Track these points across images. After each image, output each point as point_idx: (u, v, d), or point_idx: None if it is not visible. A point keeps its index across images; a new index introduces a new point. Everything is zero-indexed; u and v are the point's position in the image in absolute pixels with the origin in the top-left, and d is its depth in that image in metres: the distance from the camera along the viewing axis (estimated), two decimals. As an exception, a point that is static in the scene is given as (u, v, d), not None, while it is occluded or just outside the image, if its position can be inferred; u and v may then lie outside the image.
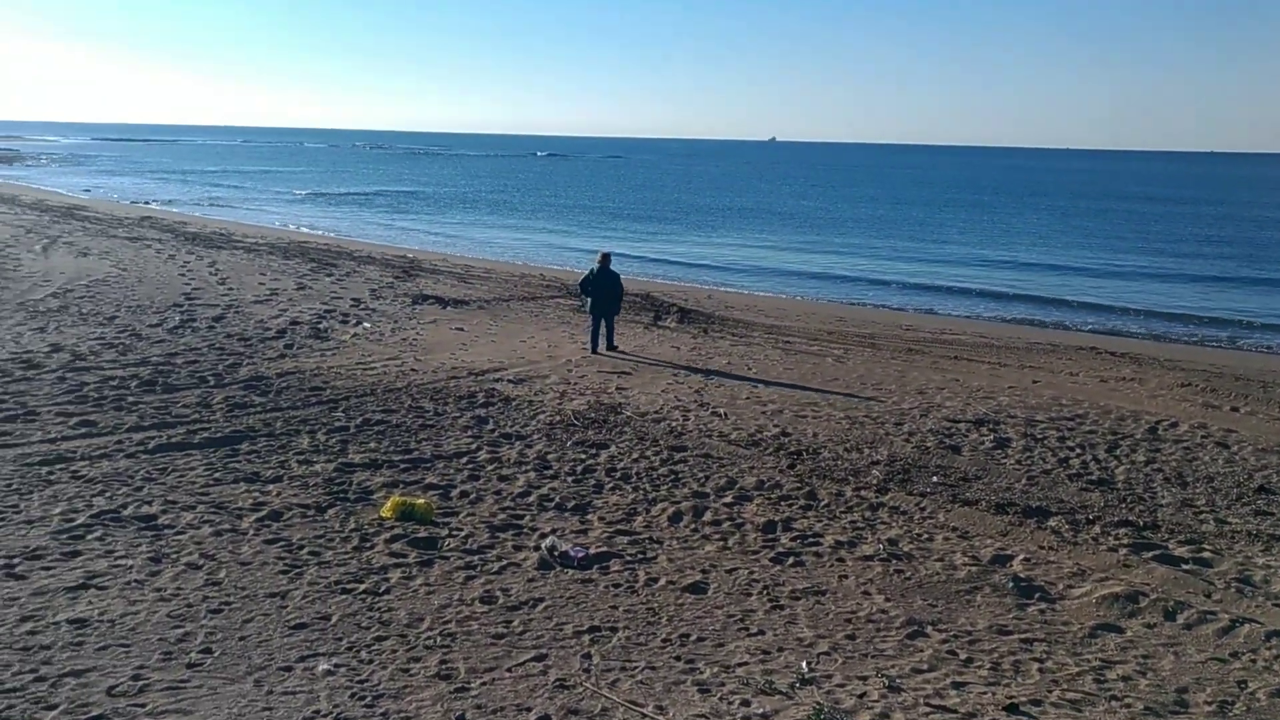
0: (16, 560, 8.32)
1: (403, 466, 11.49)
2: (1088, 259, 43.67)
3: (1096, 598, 8.70)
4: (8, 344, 16.66)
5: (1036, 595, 8.78)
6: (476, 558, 9.01)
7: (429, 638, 7.40)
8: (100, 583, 8.01)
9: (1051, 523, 10.58)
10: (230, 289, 24.25)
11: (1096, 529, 10.42)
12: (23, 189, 63.23)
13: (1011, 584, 8.94)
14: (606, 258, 19.22)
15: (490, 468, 11.60)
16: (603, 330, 19.06)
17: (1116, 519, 10.70)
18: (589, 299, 18.87)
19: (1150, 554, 9.77)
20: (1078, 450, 13.32)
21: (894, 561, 9.39)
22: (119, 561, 8.45)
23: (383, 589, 8.23)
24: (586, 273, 19.22)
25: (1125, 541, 10.09)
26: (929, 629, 8.02)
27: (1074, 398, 16.44)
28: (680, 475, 11.62)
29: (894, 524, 10.40)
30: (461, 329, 20.65)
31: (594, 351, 18.75)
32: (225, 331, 18.83)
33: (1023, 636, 7.96)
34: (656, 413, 14.38)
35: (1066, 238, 53.63)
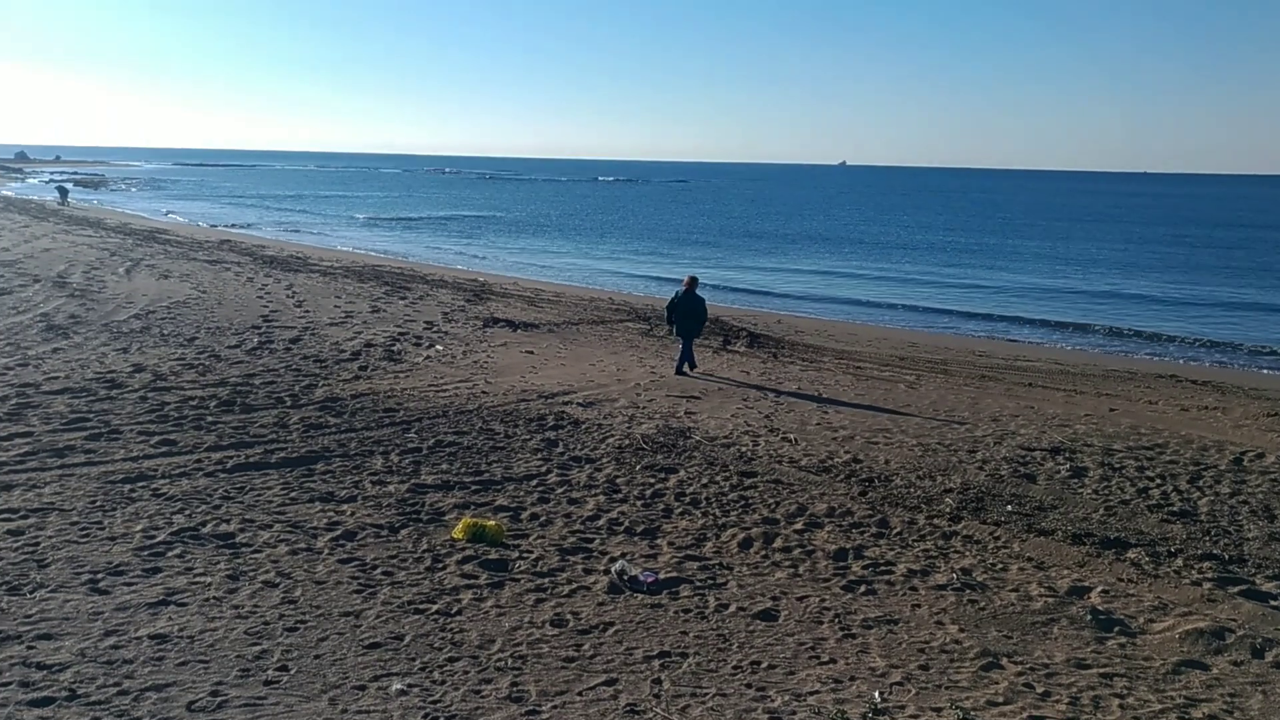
0: (100, 575, 8.52)
1: (474, 488, 11.57)
2: (1166, 287, 42.79)
3: (1180, 633, 8.47)
4: (92, 364, 17.12)
5: (1116, 629, 8.57)
6: (547, 580, 9.04)
7: (500, 659, 7.42)
8: (180, 599, 8.16)
9: (1131, 554, 10.33)
10: (306, 311, 24.71)
11: (1179, 562, 10.16)
12: (108, 212, 65.16)
13: (1090, 616, 8.74)
14: (692, 281, 19.53)
15: (560, 491, 11.64)
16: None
17: (1200, 552, 10.42)
18: (673, 325, 19.31)
19: (1236, 589, 9.49)
20: (1158, 480, 13.02)
21: (968, 591, 9.24)
22: (198, 578, 8.61)
23: (455, 610, 8.28)
24: (672, 296, 19.54)
25: (1209, 575, 9.82)
26: (1004, 661, 7.86)
27: (1153, 426, 16.09)
28: (750, 501, 11.56)
29: (968, 553, 10.24)
30: (531, 352, 20.80)
31: (689, 371, 19.18)
32: (301, 353, 19.16)
33: (1102, 671, 7.76)
34: (726, 437, 14.33)
35: (1145, 263, 52.65)
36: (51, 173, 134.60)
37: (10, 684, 6.61)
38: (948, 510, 11.52)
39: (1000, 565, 9.92)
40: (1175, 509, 11.89)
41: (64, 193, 74.85)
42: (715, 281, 40.66)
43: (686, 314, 19.03)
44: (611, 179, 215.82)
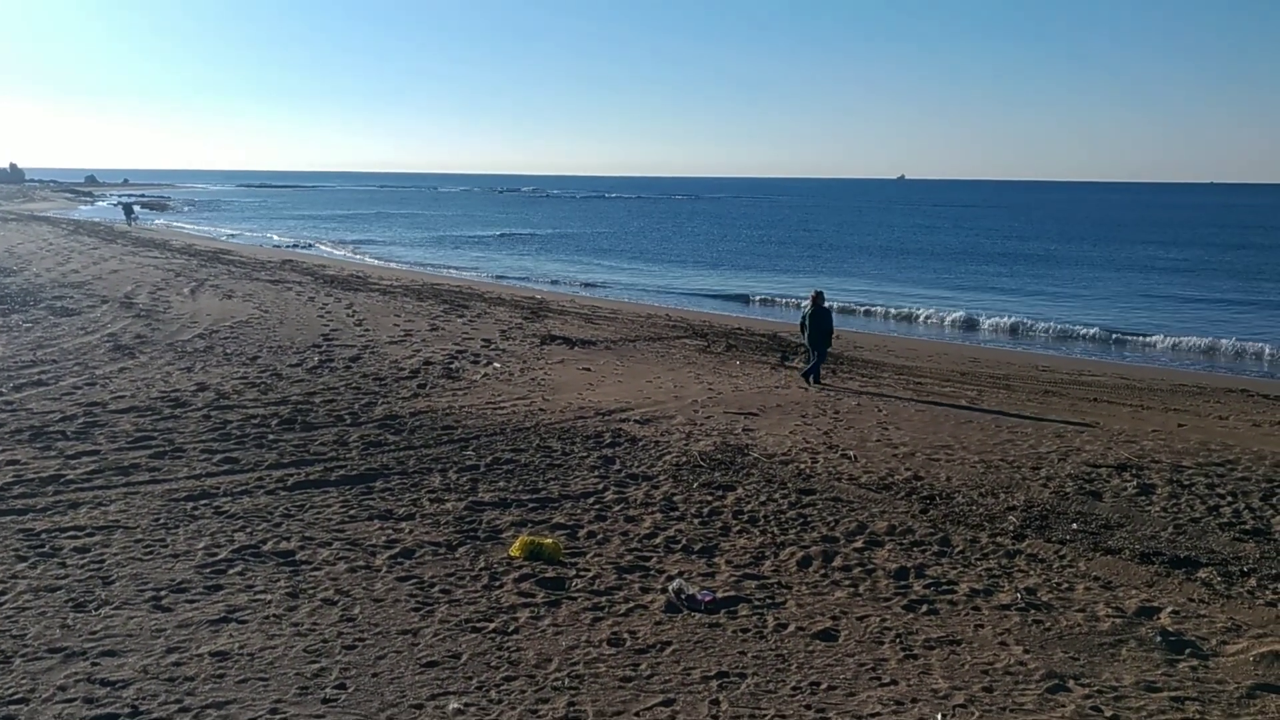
0: (163, 593, 8.62)
1: (531, 506, 11.57)
2: (1231, 296, 41.88)
3: (1254, 655, 8.20)
4: (157, 383, 17.42)
5: (1187, 650, 8.31)
6: (604, 599, 8.98)
7: (557, 679, 7.38)
8: (240, 616, 8.23)
9: (1202, 574, 10.05)
10: (366, 330, 24.97)
11: (1252, 582, 9.86)
12: (173, 234, 66.55)
13: (1159, 638, 8.49)
14: (816, 296, 20.56)
15: (617, 508, 11.59)
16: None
17: (1274, 571, 10.11)
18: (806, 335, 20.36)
19: (1313, 609, 9.20)
20: (1229, 498, 12.67)
21: (1032, 611, 9.03)
22: (258, 596, 8.68)
23: (511, 628, 8.25)
24: (804, 311, 20.62)
25: (1285, 596, 9.52)
26: (1071, 683, 7.65)
27: (1224, 442, 15.68)
28: (809, 519, 11.42)
29: (1032, 572, 10.02)
30: (588, 369, 20.82)
31: (809, 383, 20.05)
32: (361, 371, 19.35)
33: (1173, 694, 7.52)
34: (784, 455, 14.21)
35: (1206, 273, 51.58)
36: (119, 195, 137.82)
37: (75, 700, 6.70)
38: (1011, 528, 11.30)
39: (1066, 585, 9.69)
40: (1248, 527, 11.56)
41: (129, 210, 76.54)
42: (771, 294, 40.49)
43: (815, 327, 20.07)
44: (681, 196, 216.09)
